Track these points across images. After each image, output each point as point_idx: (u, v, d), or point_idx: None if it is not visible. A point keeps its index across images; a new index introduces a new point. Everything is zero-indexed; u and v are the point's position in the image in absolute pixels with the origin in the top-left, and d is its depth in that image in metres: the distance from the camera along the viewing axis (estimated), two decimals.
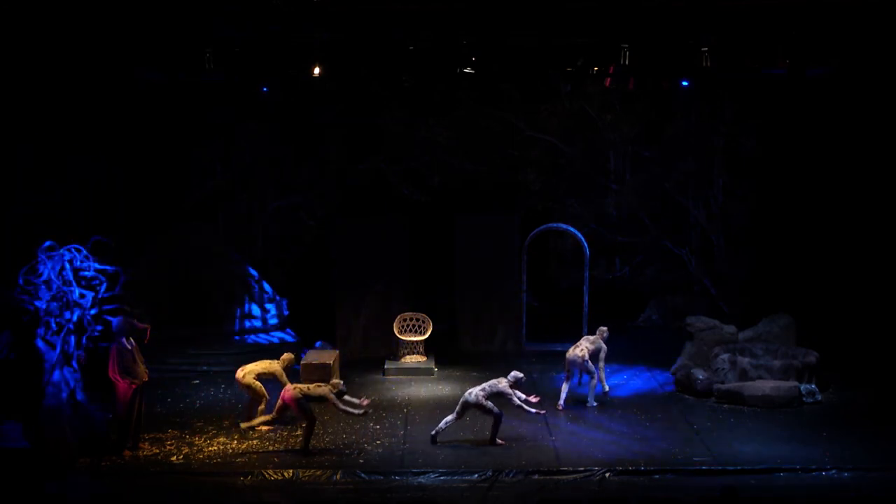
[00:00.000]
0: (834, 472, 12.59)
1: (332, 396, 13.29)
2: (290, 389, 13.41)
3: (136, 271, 17.43)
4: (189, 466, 12.86)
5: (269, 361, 14.59)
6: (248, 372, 14.23)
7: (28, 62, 13.17)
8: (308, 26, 13.84)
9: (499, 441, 13.55)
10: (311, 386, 13.54)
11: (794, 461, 12.84)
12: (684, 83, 15.83)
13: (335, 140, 19.40)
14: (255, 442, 13.71)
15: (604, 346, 15.53)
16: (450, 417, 13.69)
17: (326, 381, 15.74)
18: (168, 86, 15.83)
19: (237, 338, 18.54)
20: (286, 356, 14.71)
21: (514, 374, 13.71)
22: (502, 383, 13.55)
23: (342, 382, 13.64)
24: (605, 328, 15.80)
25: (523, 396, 13.59)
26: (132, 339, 13.38)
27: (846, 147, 17.83)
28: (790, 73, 15.11)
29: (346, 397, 13.46)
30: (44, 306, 13.09)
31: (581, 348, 15.24)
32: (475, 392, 13.51)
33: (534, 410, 13.69)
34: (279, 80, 16.45)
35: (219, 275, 19.09)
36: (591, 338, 15.61)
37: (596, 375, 15.22)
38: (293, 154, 19.56)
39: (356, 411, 13.46)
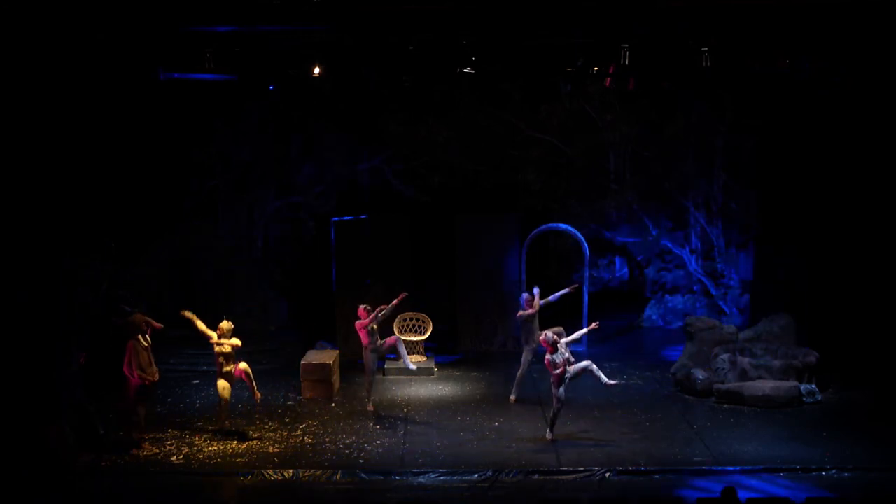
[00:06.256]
0: (834, 472, 12.59)
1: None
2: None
3: (136, 271, 17.49)
4: (189, 466, 12.87)
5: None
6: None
7: (23, 62, 13.16)
8: (308, 26, 13.85)
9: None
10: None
11: (794, 461, 12.85)
12: None
13: (335, 140, 19.40)
14: (255, 442, 13.72)
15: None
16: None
17: (327, 380, 15.86)
18: (168, 85, 15.83)
19: None
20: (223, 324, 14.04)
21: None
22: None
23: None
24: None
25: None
26: (148, 337, 13.42)
27: (846, 147, 17.82)
28: (791, 73, 15.14)
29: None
30: None
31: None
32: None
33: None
34: (279, 80, 16.48)
35: (218, 275, 19.11)
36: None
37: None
38: (293, 154, 19.57)
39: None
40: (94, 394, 13.89)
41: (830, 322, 17.30)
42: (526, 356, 15.49)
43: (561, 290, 15.63)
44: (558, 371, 13.33)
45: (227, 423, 14.06)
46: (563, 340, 13.53)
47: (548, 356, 13.45)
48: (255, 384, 14.02)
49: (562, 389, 13.43)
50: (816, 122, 17.91)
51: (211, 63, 14.18)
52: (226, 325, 13.92)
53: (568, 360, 13.44)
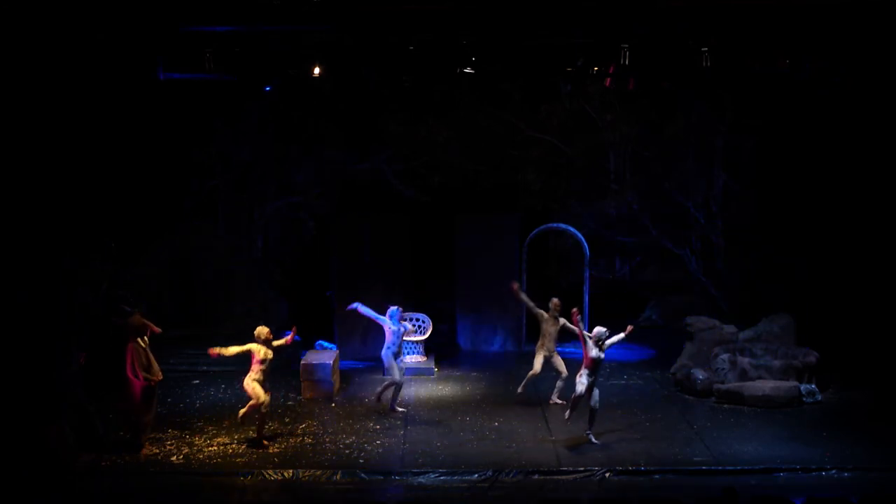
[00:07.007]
0: (834, 472, 12.59)
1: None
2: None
3: (136, 272, 17.48)
4: (189, 466, 12.87)
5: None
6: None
7: (24, 62, 13.17)
8: (308, 26, 13.87)
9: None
10: None
11: (794, 461, 12.84)
12: None
13: (335, 140, 19.39)
14: (254, 442, 13.71)
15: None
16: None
17: (327, 380, 15.86)
18: (168, 85, 15.84)
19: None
20: (260, 330, 13.68)
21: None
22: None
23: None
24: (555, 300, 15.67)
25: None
26: (146, 338, 13.41)
27: (846, 147, 17.82)
28: (791, 73, 15.15)
29: None
30: None
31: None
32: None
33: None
34: (279, 79, 16.50)
35: (218, 275, 19.08)
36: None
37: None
38: (293, 154, 19.56)
39: None
40: (94, 394, 13.87)
41: (830, 322, 17.30)
42: (538, 359, 15.28)
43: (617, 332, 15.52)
44: (590, 359, 13.38)
45: (264, 429, 13.72)
46: (608, 341, 13.48)
47: (591, 343, 13.40)
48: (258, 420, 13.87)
49: (586, 379, 13.37)
50: (816, 122, 17.91)
51: (211, 63, 14.17)
52: (265, 330, 13.50)
53: (599, 359, 13.41)
